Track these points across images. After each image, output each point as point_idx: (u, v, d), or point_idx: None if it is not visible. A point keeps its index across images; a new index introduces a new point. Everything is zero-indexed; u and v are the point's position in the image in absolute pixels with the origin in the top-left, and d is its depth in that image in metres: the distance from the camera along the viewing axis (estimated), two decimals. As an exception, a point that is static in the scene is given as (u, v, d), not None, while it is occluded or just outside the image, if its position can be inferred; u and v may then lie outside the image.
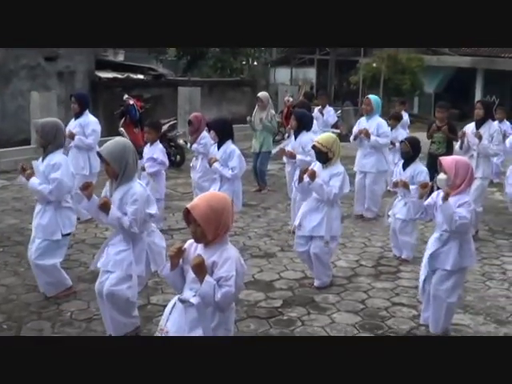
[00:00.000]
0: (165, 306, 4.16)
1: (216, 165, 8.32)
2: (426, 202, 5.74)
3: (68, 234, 6.43)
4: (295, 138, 9.27)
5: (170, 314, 4.00)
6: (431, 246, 5.67)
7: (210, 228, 3.78)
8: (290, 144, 9.42)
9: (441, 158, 5.61)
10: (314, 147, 6.74)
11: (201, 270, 3.74)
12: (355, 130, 10.03)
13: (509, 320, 6.16)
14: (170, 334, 3.91)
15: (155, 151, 8.61)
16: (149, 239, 5.39)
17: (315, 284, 6.91)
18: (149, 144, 8.75)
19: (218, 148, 8.52)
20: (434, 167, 7.16)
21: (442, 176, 5.44)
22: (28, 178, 6.22)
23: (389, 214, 7.94)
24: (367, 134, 9.70)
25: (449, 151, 9.58)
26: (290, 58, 31.27)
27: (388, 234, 8.24)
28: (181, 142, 12.94)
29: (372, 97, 10.26)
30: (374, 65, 24.35)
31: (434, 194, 5.72)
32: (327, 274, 6.93)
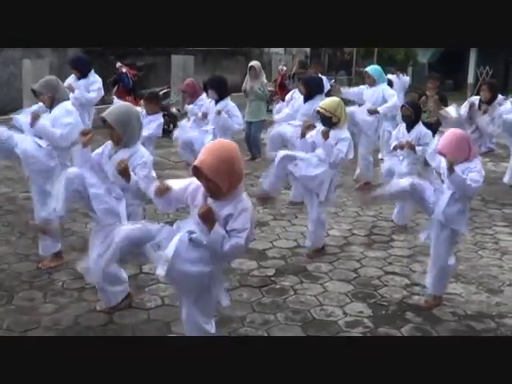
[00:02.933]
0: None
1: (224, 115, 8.32)
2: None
3: None
4: (304, 103, 8.97)
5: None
6: (443, 203, 5.40)
7: (223, 180, 3.62)
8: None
9: (439, 147, 5.34)
10: (318, 112, 6.74)
11: (208, 218, 3.62)
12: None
13: (501, 289, 6.18)
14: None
15: (154, 121, 8.40)
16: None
17: (307, 244, 6.94)
18: (146, 113, 8.53)
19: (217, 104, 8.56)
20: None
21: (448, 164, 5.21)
22: (36, 119, 5.95)
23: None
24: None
25: (438, 120, 9.59)
26: (285, 27, 31.03)
27: (381, 204, 8.25)
28: (174, 110, 12.86)
29: (370, 68, 10.25)
30: (369, 34, 24.20)
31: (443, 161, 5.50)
32: (321, 235, 6.95)
